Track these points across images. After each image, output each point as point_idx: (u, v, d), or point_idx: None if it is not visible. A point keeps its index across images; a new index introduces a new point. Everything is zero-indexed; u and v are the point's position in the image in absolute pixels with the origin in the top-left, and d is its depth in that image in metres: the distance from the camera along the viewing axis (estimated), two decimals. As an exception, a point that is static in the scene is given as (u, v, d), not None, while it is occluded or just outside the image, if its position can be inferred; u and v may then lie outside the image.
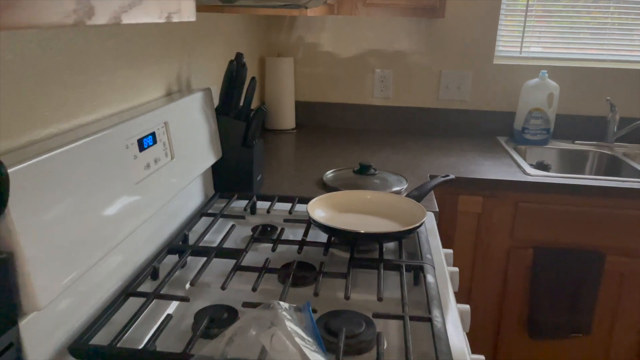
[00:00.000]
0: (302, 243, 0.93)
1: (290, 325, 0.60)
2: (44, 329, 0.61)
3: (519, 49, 1.97)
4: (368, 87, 2.05)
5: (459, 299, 1.59)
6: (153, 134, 0.88)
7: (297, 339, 0.59)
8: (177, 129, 0.97)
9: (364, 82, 2.05)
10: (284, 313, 0.62)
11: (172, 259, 0.89)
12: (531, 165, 1.75)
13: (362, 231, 0.91)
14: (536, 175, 1.52)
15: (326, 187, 1.32)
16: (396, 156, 1.68)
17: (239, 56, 1.18)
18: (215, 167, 1.21)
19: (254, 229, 1.01)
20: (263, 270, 0.83)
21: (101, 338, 0.66)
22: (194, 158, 1.04)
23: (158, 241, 0.92)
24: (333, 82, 2.06)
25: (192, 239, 0.96)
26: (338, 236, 0.94)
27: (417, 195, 1.09)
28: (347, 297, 0.76)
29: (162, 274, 0.84)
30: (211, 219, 1.04)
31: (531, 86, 1.87)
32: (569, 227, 1.50)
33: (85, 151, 0.69)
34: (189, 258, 0.90)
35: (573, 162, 1.87)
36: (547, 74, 1.84)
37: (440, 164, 1.61)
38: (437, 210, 1.21)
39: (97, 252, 0.69)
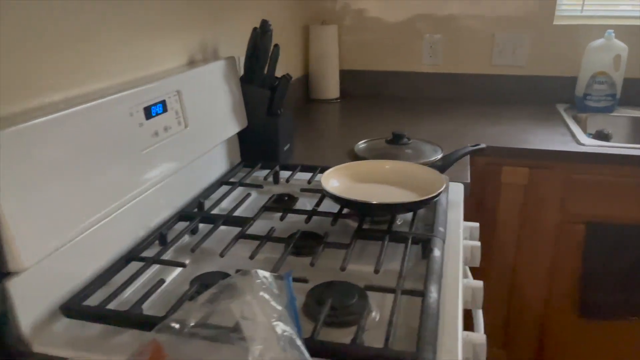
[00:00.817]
0: (311, 213, 0.92)
1: (264, 295, 0.59)
2: (38, 288, 0.64)
3: (580, 7, 1.80)
4: (417, 53, 1.97)
5: (503, 274, 1.52)
6: (163, 102, 0.88)
7: (268, 309, 0.58)
8: (192, 97, 0.98)
9: (412, 48, 1.97)
10: (261, 281, 0.61)
11: (184, 225, 0.90)
12: (590, 134, 1.62)
13: (375, 202, 0.88)
14: (590, 145, 1.39)
15: (357, 158, 1.29)
16: (441, 125, 1.61)
17: (263, 23, 1.16)
18: (241, 137, 1.21)
19: (270, 199, 1.00)
20: (265, 239, 0.83)
21: (98, 299, 0.68)
22: (213, 127, 1.05)
23: (173, 208, 0.94)
24: (380, 49, 1.99)
25: (207, 207, 0.97)
26: (350, 207, 0.91)
27: (442, 165, 1.03)
28: (342, 269, 0.74)
29: (174, 240, 0.85)
30: (230, 187, 1.05)
31: (595, 48, 1.71)
32: (626, 201, 1.38)
33: (81, 118, 0.70)
34: (202, 226, 0.92)
35: (641, 131, 1.71)
36: (613, 34, 1.68)
37: (485, 132, 1.52)
38: (469, 181, 1.15)
39: (94, 216, 0.71)
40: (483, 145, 1.08)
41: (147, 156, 0.83)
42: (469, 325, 0.99)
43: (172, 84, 0.92)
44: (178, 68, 1.02)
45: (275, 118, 1.19)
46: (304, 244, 0.84)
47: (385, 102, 1.92)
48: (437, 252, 0.77)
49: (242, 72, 1.22)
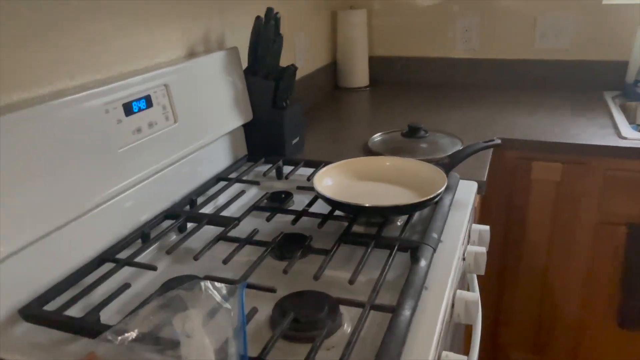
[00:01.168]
0: (300, 213, 0.87)
1: (210, 310, 0.55)
2: (1, 289, 0.63)
3: (634, -16, 1.63)
4: (451, 38, 1.86)
5: (533, 276, 1.41)
6: (147, 97, 0.86)
7: (212, 325, 0.54)
8: (185, 91, 0.95)
9: (446, 32, 1.85)
10: (211, 294, 0.57)
11: (170, 224, 0.88)
12: (638, 126, 1.46)
13: (367, 204, 0.82)
14: (633, 138, 1.26)
15: (370, 152, 1.22)
16: (471, 115, 1.51)
17: (268, 12, 1.11)
18: (247, 130, 1.18)
19: (263, 196, 0.96)
20: (244, 241, 0.79)
21: (63, 302, 0.67)
22: (210, 121, 1.02)
23: (164, 205, 0.92)
24: (412, 33, 1.90)
25: (199, 204, 0.94)
26: (341, 209, 0.86)
27: (448, 162, 0.95)
28: (315, 278, 0.69)
29: (156, 239, 0.83)
30: (226, 183, 1.01)
31: (649, 29, 1.54)
32: (673, 202, 1.24)
33: (48, 115, 0.69)
34: (190, 225, 0.89)
35: (700, 122, 1.53)
36: (671, 13, 1.50)
37: (516, 123, 1.41)
38: (485, 179, 1.06)
39: (61, 216, 0.70)
40: (498, 141, 0.99)
41: (126, 154, 0.80)
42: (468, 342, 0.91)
43: (158, 78, 0.89)
44: (170, 61, 0.99)
45: (281, 110, 1.14)
46: (289, 246, 0.79)
47: (416, 91, 1.83)
48: (422, 262, 0.71)
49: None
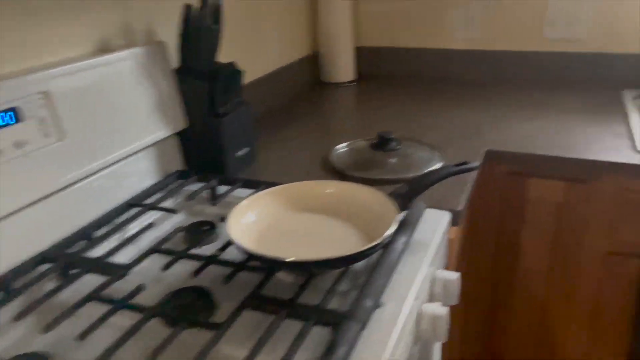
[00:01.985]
0: (208, 261, 0.68)
1: None
2: None
3: (663, -37, 1.38)
4: (448, 25, 1.63)
5: (528, 314, 1.21)
6: (14, 110, 0.67)
7: None
8: (80, 97, 0.76)
9: (442, 19, 1.63)
10: None
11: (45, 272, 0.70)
12: (661, 134, 1.23)
13: (288, 259, 0.61)
14: (653, 153, 1.03)
15: (332, 167, 1.02)
16: (461, 118, 1.29)
17: (203, -2, 0.91)
18: (183, 141, 0.99)
19: (175, 230, 0.77)
20: (119, 305, 0.60)
21: None
22: (121, 133, 0.83)
23: (43, 244, 0.73)
24: (404, 21, 1.67)
25: (94, 241, 0.76)
26: (255, 260, 0.66)
27: (407, 192, 0.75)
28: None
29: (21, 291, 0.65)
30: (138, 210, 0.82)
31: (679, 17, 1.30)
32: (700, 233, 1.02)
33: None
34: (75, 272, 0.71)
35: None
36: None
37: (512, 131, 1.19)
38: (461, 208, 0.85)
39: None
40: (473, 164, 0.78)
41: (-27, 186, 0.62)
42: None
43: (33, 84, 0.70)
44: (62, 61, 0.79)
45: (218, 117, 0.95)
46: (181, 309, 0.61)
47: (406, 87, 1.61)
48: (340, 351, 0.51)
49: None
